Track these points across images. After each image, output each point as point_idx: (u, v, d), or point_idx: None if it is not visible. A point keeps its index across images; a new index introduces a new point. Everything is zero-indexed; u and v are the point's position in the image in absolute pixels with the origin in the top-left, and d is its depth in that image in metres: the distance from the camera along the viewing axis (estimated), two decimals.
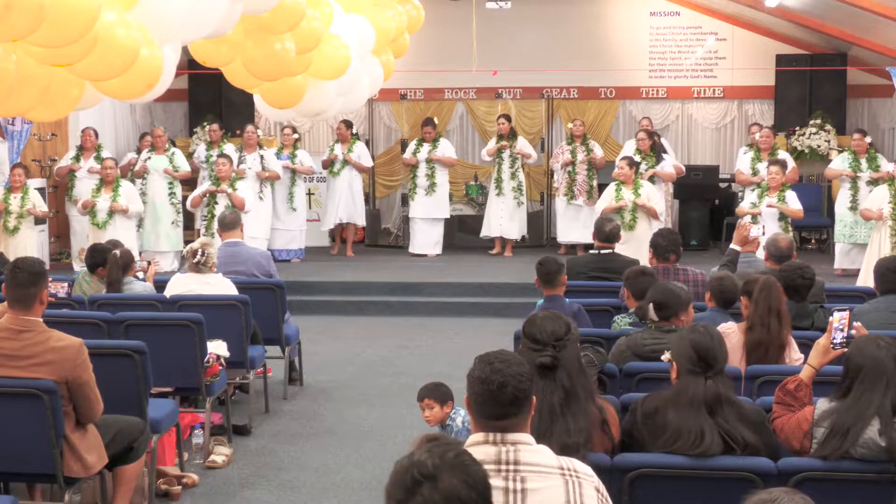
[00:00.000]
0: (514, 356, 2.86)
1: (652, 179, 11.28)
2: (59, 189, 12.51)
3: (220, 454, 6.03)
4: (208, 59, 7.45)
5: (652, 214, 9.87)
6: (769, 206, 10.07)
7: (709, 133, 14.98)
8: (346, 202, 12.74)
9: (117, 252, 6.84)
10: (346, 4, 8.62)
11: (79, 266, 10.25)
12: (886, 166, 10.95)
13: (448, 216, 13.02)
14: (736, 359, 4.77)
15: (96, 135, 11.96)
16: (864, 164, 11.29)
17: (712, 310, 5.35)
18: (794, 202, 10.05)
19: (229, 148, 12.58)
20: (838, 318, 3.94)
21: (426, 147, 12.62)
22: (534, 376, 2.93)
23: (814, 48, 14.33)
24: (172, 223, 11.98)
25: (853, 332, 3.98)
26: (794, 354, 4.95)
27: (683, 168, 12.57)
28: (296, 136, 12.82)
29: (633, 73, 14.80)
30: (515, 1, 13.97)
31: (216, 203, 11.23)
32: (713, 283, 5.54)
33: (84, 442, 4.53)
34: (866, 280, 9.56)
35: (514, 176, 12.66)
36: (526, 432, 2.78)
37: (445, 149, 12.81)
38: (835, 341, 3.89)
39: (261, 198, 11.89)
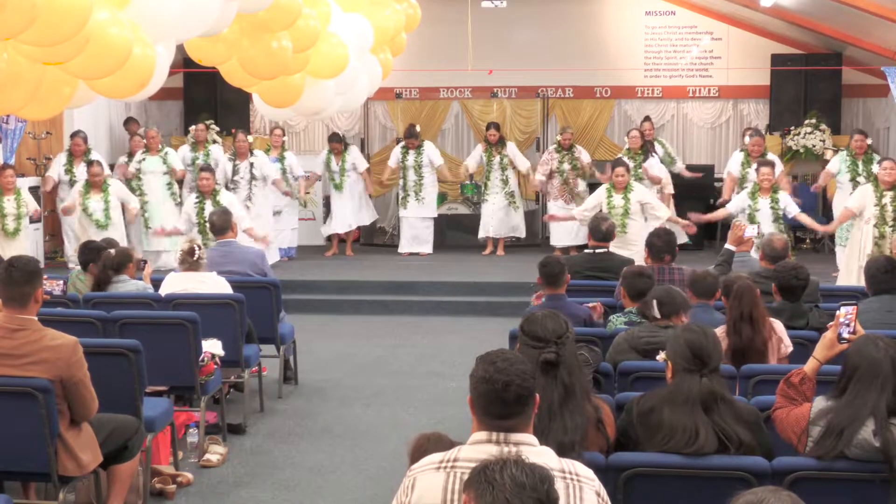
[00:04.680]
0: (516, 355, 2.86)
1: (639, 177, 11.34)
2: (53, 190, 12.46)
3: (215, 453, 6.02)
4: (204, 58, 7.44)
5: (655, 182, 9.61)
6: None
7: (704, 132, 14.99)
8: (354, 209, 12.81)
9: (111, 251, 6.83)
10: (344, 3, 8.61)
11: (74, 265, 10.23)
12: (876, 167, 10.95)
13: (435, 216, 13.05)
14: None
15: (85, 140, 11.88)
16: (860, 166, 11.30)
17: (696, 306, 5.38)
18: (787, 202, 9.95)
19: (216, 149, 12.50)
20: (845, 313, 3.94)
21: (412, 154, 12.66)
22: (535, 374, 2.93)
23: (809, 48, 14.35)
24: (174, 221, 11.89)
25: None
26: (784, 341, 4.99)
27: (661, 178, 12.36)
28: (285, 137, 12.77)
29: (628, 73, 14.81)
30: (511, 0, 13.98)
31: (204, 207, 11.13)
32: (688, 282, 5.66)
33: (78, 440, 4.52)
34: (846, 279, 9.57)
35: (505, 182, 12.69)
36: (529, 432, 2.78)
37: (431, 153, 12.81)
38: (841, 335, 3.90)
39: (247, 206, 11.67)
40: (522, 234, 13.10)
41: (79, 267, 7.16)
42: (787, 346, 5.04)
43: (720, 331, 4.96)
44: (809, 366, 3.88)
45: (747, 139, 11.79)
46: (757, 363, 4.82)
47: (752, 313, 4.91)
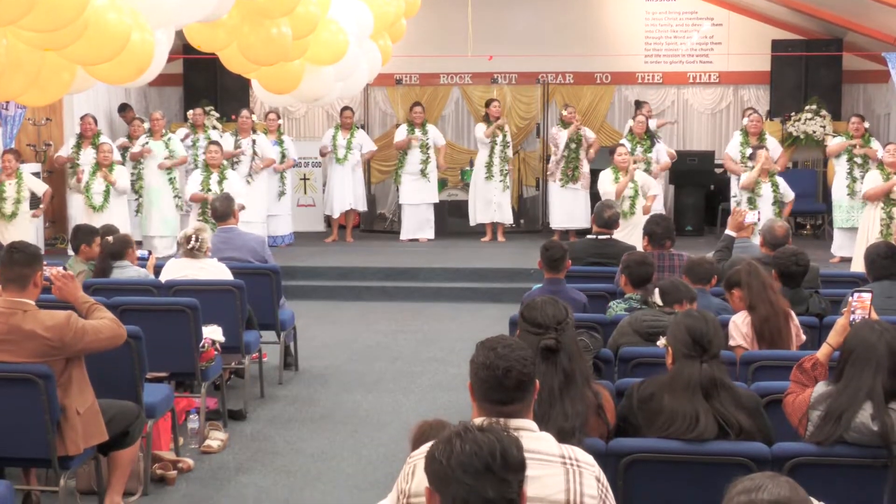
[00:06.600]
0: (517, 341, 2.87)
1: (648, 167, 11.32)
2: (55, 175, 12.46)
3: (216, 439, 6.03)
4: (203, 44, 7.42)
5: (645, 209, 9.89)
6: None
7: (704, 118, 14.96)
8: (351, 188, 12.81)
9: (110, 238, 6.84)
10: None
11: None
12: (878, 150, 11.00)
13: (437, 201, 13.05)
14: (748, 342, 4.87)
15: (95, 122, 11.89)
16: (857, 147, 11.33)
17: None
18: (785, 189, 10.22)
19: (215, 134, 12.54)
20: (857, 298, 4.01)
21: (418, 132, 12.65)
22: (535, 360, 2.94)
23: (810, 33, 14.31)
24: (177, 207, 11.96)
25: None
26: (801, 330, 5.02)
27: (675, 153, 12.56)
28: (279, 121, 12.78)
29: (628, 59, 14.77)
30: None
31: (209, 190, 11.18)
32: (685, 267, 5.76)
33: (82, 418, 4.52)
34: (858, 264, 9.61)
35: (504, 160, 12.67)
36: (529, 418, 2.78)
37: (435, 135, 12.87)
38: (853, 321, 3.94)
39: (248, 181, 11.83)
40: (510, 220, 13.05)
41: (73, 254, 7.17)
42: (802, 337, 5.07)
43: (741, 317, 4.98)
44: (822, 351, 3.93)
45: (745, 120, 11.78)
46: (785, 328, 4.88)
47: (770, 282, 5.01)
